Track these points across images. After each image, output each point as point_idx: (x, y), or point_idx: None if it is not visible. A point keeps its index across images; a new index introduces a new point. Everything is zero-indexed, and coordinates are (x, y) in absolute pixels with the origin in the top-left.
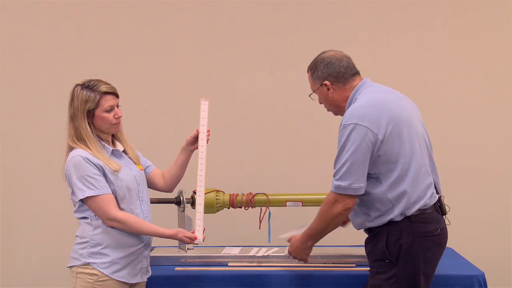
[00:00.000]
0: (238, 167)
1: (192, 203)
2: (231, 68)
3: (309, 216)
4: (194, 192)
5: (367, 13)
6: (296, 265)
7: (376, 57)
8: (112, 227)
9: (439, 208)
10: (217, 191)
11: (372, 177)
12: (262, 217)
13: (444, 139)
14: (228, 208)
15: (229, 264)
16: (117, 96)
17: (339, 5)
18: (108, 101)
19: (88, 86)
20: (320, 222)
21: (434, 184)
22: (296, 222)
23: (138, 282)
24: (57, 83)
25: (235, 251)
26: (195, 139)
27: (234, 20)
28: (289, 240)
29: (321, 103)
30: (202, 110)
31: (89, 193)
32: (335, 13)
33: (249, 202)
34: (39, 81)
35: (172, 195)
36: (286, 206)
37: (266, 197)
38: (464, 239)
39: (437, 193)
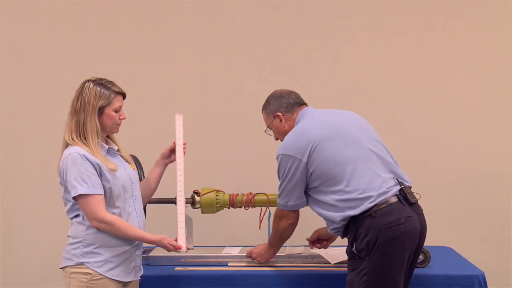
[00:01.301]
0: (238, 167)
1: (192, 203)
2: (231, 68)
3: (309, 215)
4: (194, 192)
5: (367, 13)
6: (296, 265)
7: (376, 57)
8: (98, 229)
9: (403, 198)
10: (217, 191)
11: (315, 189)
12: (262, 217)
13: (444, 139)
14: (228, 208)
15: (229, 264)
16: (124, 98)
17: (339, 5)
18: (119, 101)
19: (101, 83)
20: (274, 234)
21: (396, 177)
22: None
23: (131, 281)
24: (57, 83)
25: (235, 251)
26: (170, 152)
27: (234, 20)
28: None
29: (277, 139)
30: (177, 124)
31: (81, 190)
32: (335, 13)
33: (249, 202)
34: (39, 81)
35: (172, 195)
36: None
37: (266, 197)
38: (464, 239)
39: (400, 184)
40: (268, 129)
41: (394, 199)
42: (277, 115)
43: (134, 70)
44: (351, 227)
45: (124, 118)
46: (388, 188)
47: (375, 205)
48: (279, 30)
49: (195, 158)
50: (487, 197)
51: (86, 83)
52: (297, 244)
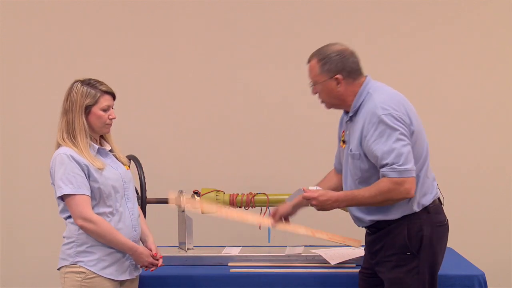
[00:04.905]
0: (238, 167)
1: None
2: (232, 69)
3: (309, 215)
4: (194, 192)
5: (367, 13)
6: (296, 265)
7: (376, 57)
8: (82, 228)
9: (441, 199)
10: (217, 191)
11: None
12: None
13: (445, 139)
14: (228, 208)
15: (229, 264)
16: (114, 98)
17: (339, 5)
18: (107, 100)
19: (89, 83)
20: (374, 200)
21: None
22: (296, 222)
23: (128, 279)
24: (57, 83)
25: (235, 251)
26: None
27: (235, 20)
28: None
29: (315, 93)
30: None
31: (66, 190)
32: (335, 13)
33: (249, 202)
34: (39, 81)
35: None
36: None
37: (266, 197)
38: (464, 239)
39: None
40: (312, 84)
41: (438, 199)
42: (337, 78)
43: (134, 70)
44: (400, 221)
45: (113, 118)
46: (437, 188)
47: (433, 201)
48: (279, 30)
49: (195, 158)
50: (487, 197)
51: (75, 83)
52: (297, 244)
